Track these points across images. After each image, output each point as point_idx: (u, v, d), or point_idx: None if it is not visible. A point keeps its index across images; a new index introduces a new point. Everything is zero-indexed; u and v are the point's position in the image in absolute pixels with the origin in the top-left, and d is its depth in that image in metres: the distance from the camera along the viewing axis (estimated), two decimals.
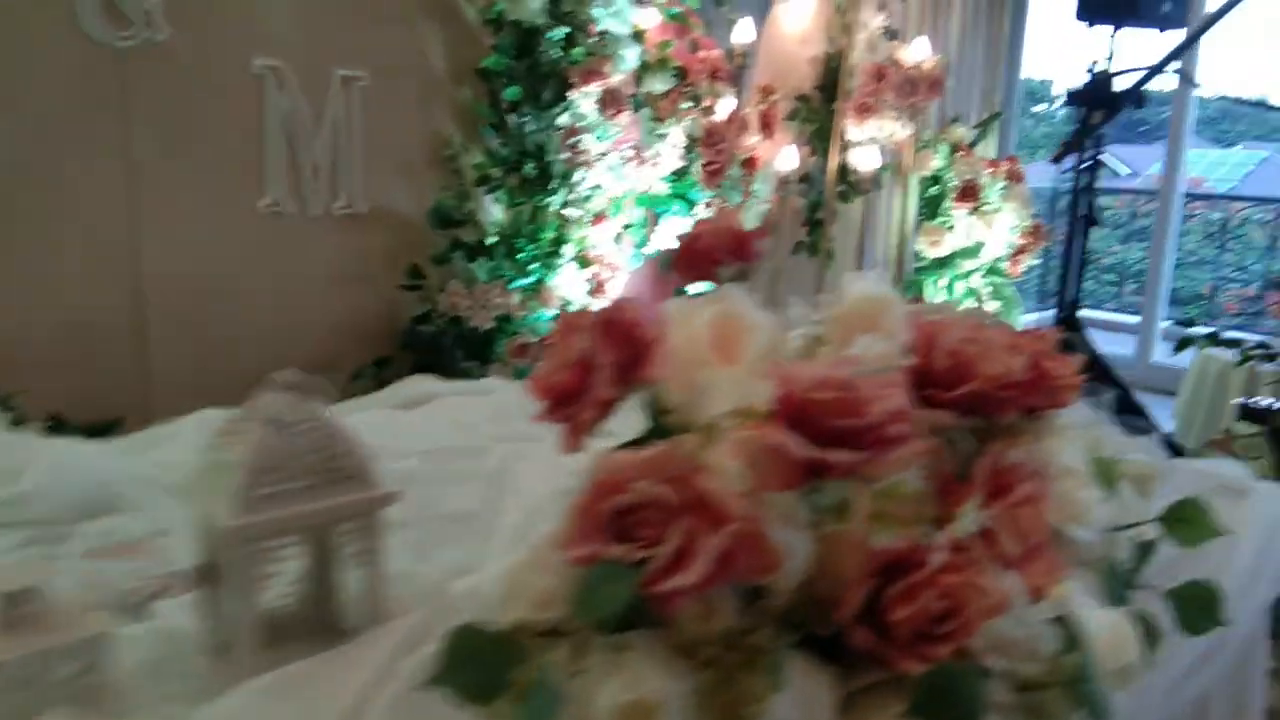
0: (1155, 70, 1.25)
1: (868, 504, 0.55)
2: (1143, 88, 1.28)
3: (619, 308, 0.62)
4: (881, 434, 0.51)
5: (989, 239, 3.08)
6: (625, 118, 2.13)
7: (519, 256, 2.25)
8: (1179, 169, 5.14)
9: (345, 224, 2.09)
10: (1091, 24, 3.73)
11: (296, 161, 1.97)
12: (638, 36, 2.26)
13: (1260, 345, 2.06)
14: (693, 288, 0.76)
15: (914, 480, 0.57)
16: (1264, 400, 1.96)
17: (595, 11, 2.04)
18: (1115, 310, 7.16)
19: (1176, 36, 4.55)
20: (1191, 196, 7.17)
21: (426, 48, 2.13)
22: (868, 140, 2.77)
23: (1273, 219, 6.82)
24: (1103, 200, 8.58)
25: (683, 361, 0.67)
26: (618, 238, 2.39)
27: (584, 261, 2.22)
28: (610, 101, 2.09)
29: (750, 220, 2.51)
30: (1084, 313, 7.29)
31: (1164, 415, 3.05)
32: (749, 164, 2.49)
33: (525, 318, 2.21)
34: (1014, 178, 3.05)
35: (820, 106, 2.83)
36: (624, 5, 2.04)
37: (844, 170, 2.90)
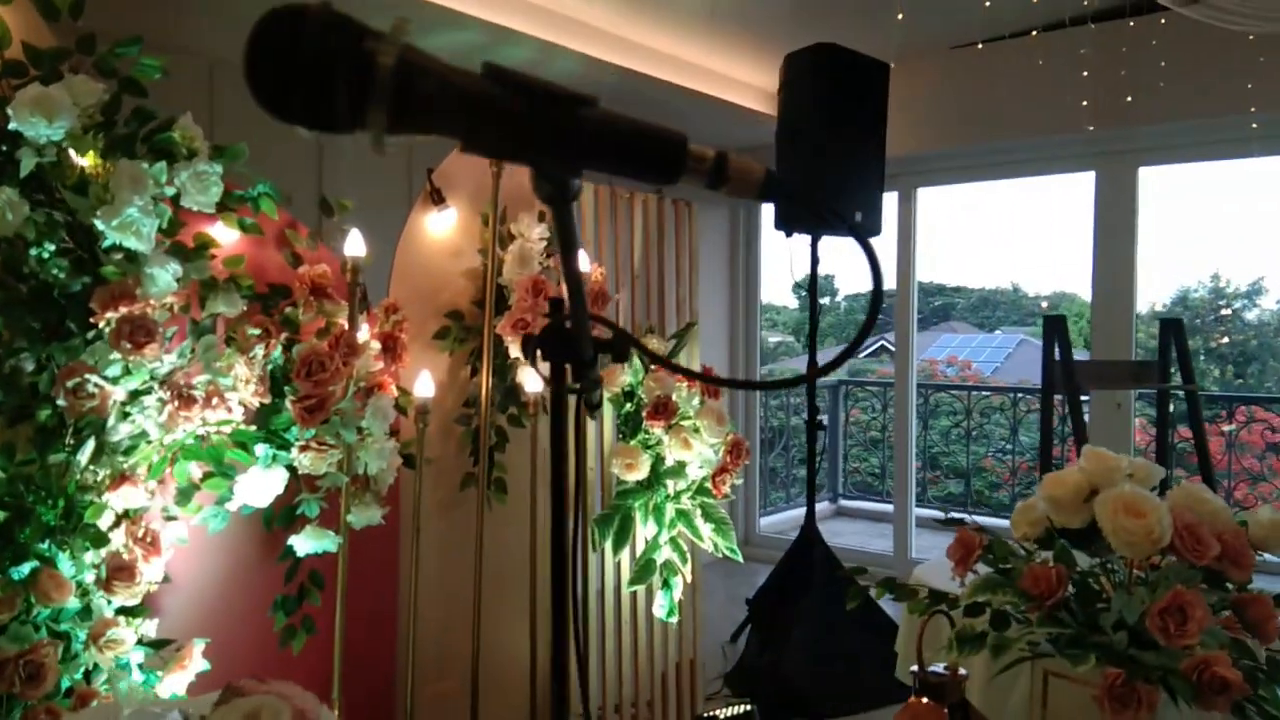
0: (682, 368, 0.94)
1: None
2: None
3: None
4: None
5: (689, 458, 2.77)
6: (154, 349, 1.67)
7: (23, 535, 1.68)
8: (909, 360, 5.25)
9: None
10: (789, 234, 3.71)
11: None
12: (198, 250, 1.85)
13: (935, 594, 1.73)
14: None
15: None
16: (940, 667, 1.62)
17: (97, 224, 1.60)
18: (879, 500, 7.17)
19: (872, 243, 4.69)
20: (928, 387, 7.49)
21: None
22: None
23: (1011, 404, 7.16)
24: (877, 385, 8.90)
25: None
26: (184, 498, 1.87)
27: (99, 538, 1.67)
28: (132, 331, 1.63)
29: (373, 462, 2.06)
30: (849, 503, 7.23)
31: None
32: (368, 394, 2.07)
33: (11, 623, 1.61)
34: (709, 392, 2.80)
35: (476, 324, 2.50)
36: (137, 216, 1.61)
37: (512, 392, 2.55)
